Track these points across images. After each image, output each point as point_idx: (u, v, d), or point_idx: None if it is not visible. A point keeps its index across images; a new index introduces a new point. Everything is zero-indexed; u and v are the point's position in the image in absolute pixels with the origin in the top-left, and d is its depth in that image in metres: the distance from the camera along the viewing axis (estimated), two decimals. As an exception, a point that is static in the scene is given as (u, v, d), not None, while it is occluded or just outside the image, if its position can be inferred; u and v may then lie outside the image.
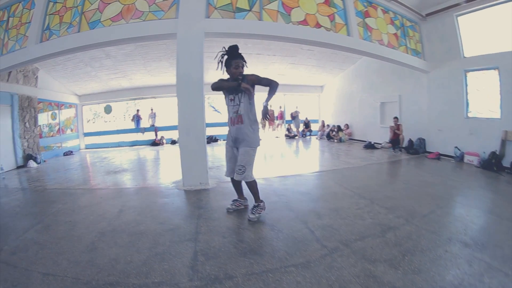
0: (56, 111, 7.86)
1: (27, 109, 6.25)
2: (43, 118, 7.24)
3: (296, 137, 10.40)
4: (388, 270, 1.84)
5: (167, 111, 11.22)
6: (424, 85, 6.07)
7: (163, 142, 10.00)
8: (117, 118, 10.23)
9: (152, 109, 10.45)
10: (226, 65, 2.71)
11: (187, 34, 3.70)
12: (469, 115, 5.28)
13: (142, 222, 2.83)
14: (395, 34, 5.37)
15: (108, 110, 9.98)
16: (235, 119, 2.75)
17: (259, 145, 2.80)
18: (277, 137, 10.92)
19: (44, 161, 6.56)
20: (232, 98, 2.76)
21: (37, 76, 6.65)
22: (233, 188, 3.18)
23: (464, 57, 5.29)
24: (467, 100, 5.29)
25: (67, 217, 3.03)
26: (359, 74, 8.42)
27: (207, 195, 3.66)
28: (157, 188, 4.15)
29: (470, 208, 3.00)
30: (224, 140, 10.35)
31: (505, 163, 4.51)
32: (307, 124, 10.91)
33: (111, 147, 9.63)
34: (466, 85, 5.28)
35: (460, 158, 5.19)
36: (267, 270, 1.96)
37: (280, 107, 11.34)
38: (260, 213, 2.82)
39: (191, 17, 3.72)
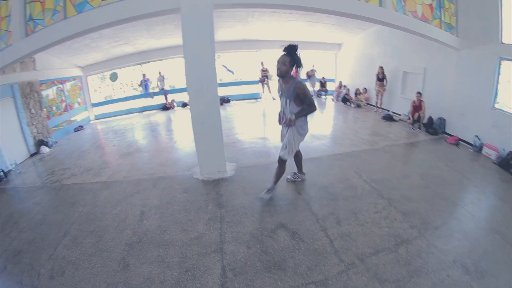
0: (61, 88, 7.55)
1: (29, 95, 5.93)
2: (49, 99, 6.96)
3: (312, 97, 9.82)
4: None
5: (175, 73, 10.71)
6: (453, 62, 5.29)
7: (173, 106, 9.80)
8: (124, 85, 9.92)
9: (160, 72, 9.99)
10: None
11: (193, 8, 3.17)
12: (496, 106, 4.67)
13: (166, 229, 2.80)
14: (430, 5, 4.59)
15: (114, 77, 9.59)
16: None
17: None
18: None
19: (56, 142, 6.44)
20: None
21: (34, 59, 6.16)
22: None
23: (502, 43, 4.46)
24: (496, 89, 4.62)
25: (91, 224, 3.02)
26: (381, 37, 7.58)
27: (226, 187, 3.56)
28: (174, 177, 3.99)
29: (479, 222, 2.81)
30: (236, 100, 10.15)
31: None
32: (323, 84, 10.38)
33: (121, 114, 9.44)
34: (499, 74, 4.56)
35: (478, 149, 4.77)
36: (290, 287, 2.03)
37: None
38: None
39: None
